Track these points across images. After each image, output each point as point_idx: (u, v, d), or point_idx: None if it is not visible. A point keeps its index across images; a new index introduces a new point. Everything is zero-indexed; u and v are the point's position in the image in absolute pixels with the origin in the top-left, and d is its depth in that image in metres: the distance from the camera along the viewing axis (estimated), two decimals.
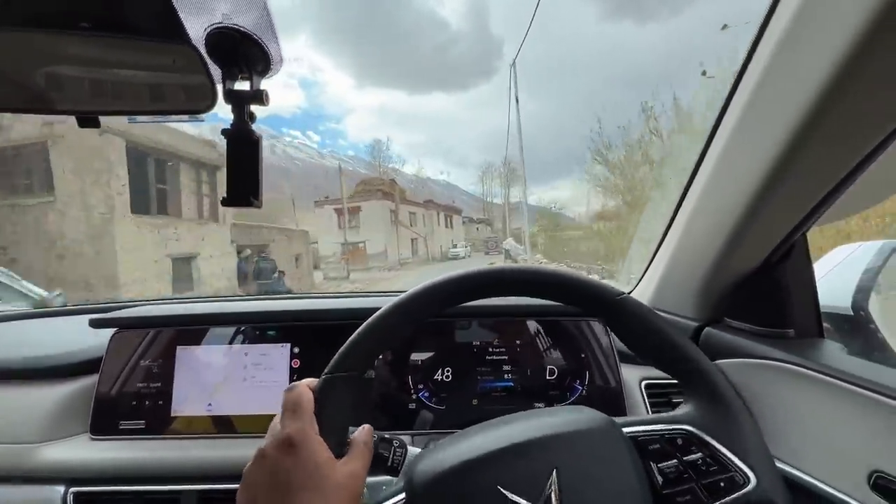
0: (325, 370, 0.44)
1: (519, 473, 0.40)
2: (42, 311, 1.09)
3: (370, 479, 0.43)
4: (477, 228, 49.04)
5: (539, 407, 0.76)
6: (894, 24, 0.36)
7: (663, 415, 0.47)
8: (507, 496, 0.38)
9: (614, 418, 0.45)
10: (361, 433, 0.44)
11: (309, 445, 0.38)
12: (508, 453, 0.41)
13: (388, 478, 0.44)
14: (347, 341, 0.45)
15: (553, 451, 0.41)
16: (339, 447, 0.42)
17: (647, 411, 0.75)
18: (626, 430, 0.44)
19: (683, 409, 0.47)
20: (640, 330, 0.49)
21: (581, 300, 0.50)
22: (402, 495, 0.41)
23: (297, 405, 0.41)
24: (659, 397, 0.76)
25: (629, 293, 0.98)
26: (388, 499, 0.42)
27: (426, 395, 0.77)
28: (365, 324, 0.46)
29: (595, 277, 0.51)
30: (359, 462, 0.41)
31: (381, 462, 0.44)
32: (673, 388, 0.76)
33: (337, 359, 0.45)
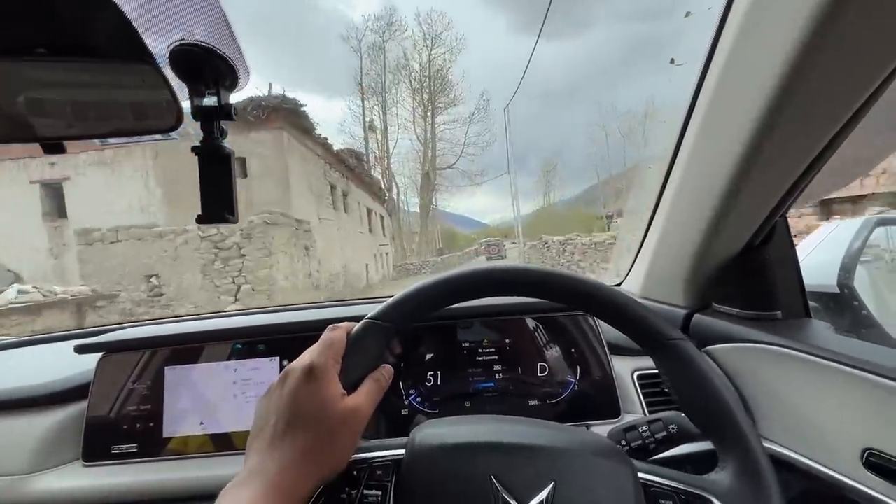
0: (369, 315, 0.46)
1: (516, 472, 0.40)
2: (26, 340, 1.08)
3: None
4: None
5: (532, 405, 0.76)
6: None
7: (687, 475, 0.43)
8: (496, 487, 0.39)
9: (635, 461, 0.43)
10: (378, 371, 0.46)
11: (326, 379, 0.40)
12: (516, 450, 0.41)
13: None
14: (398, 295, 0.47)
15: (558, 465, 0.40)
16: (353, 389, 0.43)
17: (641, 402, 0.74)
18: (643, 475, 0.42)
19: (712, 477, 0.43)
20: (687, 376, 0.45)
21: (634, 330, 0.47)
22: (402, 451, 0.43)
23: (331, 342, 0.43)
24: (651, 387, 0.76)
25: (618, 285, 0.99)
26: (387, 448, 0.44)
27: (418, 399, 0.76)
28: (418, 284, 0.47)
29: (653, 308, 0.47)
30: (363, 398, 0.42)
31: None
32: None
33: (383, 308, 0.47)
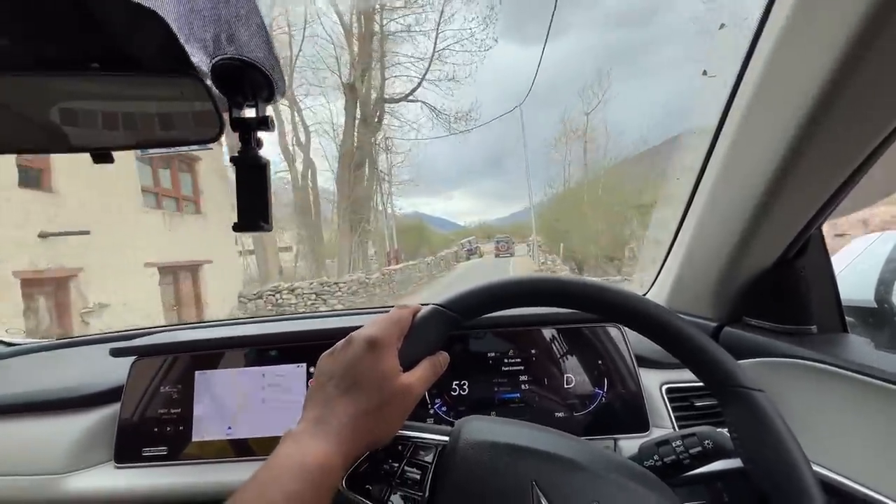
0: (437, 302, 0.47)
1: (560, 484, 0.40)
2: (62, 343, 1.11)
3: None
4: None
5: (559, 417, 0.75)
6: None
7: None
8: (538, 495, 0.39)
9: None
10: (435, 356, 0.47)
11: (386, 352, 0.42)
12: (561, 462, 0.41)
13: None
14: (468, 288, 0.48)
15: (602, 487, 0.40)
16: (409, 368, 0.44)
17: (670, 416, 0.73)
18: None
19: None
20: (759, 431, 0.42)
21: (704, 369, 0.45)
22: (446, 438, 0.44)
23: (397, 319, 0.45)
24: (681, 401, 0.74)
25: (644, 294, 0.97)
26: (431, 433, 0.45)
27: (444, 409, 0.76)
28: (490, 282, 0.48)
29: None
30: (417, 378, 0.44)
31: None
32: (694, 392, 0.74)
33: (452, 297, 0.47)
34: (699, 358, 0.45)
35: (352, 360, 0.42)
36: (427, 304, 0.48)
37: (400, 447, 0.44)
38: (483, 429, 0.44)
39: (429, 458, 0.43)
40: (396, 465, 0.42)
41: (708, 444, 0.50)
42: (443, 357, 0.48)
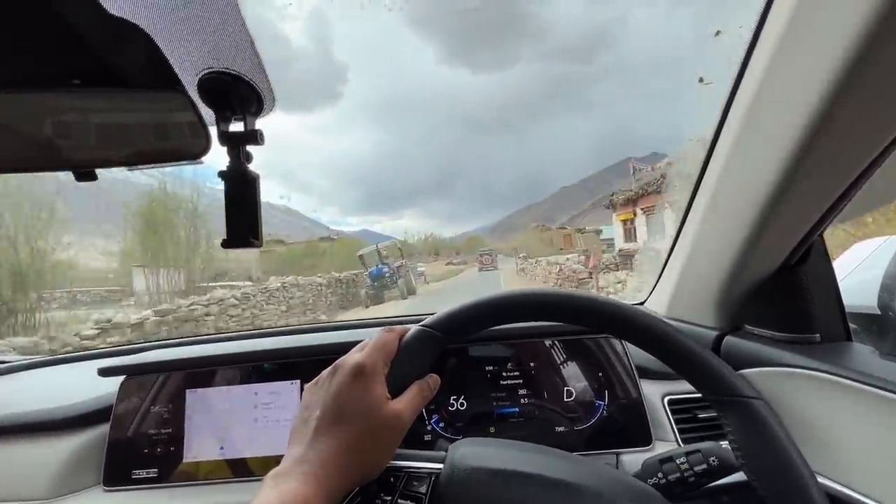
0: (423, 323, 0.46)
1: None
2: (51, 360, 1.09)
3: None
4: None
5: (559, 431, 0.73)
6: None
7: None
8: None
9: None
10: (424, 380, 0.45)
11: (373, 379, 0.41)
12: (560, 486, 0.40)
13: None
14: (455, 307, 0.47)
15: None
16: (398, 394, 0.43)
17: (673, 429, 0.72)
18: None
19: None
20: (759, 439, 0.42)
21: (701, 379, 0.44)
22: (439, 466, 0.43)
23: (383, 344, 0.44)
24: (683, 413, 0.73)
25: (642, 303, 0.96)
26: (424, 460, 0.44)
27: (441, 424, 0.74)
28: (476, 299, 0.47)
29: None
30: (406, 405, 0.42)
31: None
32: (697, 403, 0.73)
33: (438, 317, 0.46)
34: (695, 369, 0.44)
35: (337, 390, 0.40)
36: (412, 325, 0.47)
37: (392, 479, 0.41)
38: (477, 454, 0.43)
39: (423, 489, 0.41)
40: (389, 498, 0.40)
41: (713, 460, 0.49)
42: (432, 380, 0.46)
